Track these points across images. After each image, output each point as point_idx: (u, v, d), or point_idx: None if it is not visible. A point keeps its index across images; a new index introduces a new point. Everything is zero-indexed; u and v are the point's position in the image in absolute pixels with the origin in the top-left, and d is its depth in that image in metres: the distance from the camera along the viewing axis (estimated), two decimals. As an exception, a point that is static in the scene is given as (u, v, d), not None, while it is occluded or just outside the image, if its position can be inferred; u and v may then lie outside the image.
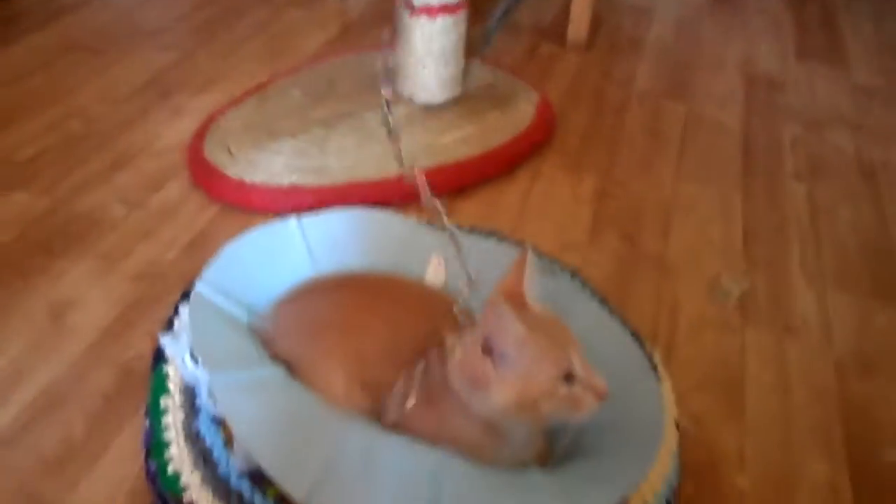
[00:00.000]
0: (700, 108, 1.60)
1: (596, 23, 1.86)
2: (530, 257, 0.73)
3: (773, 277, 1.15)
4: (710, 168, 1.41)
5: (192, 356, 0.79)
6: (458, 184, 1.28)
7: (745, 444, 0.89)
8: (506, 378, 0.67)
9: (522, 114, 1.43)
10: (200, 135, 1.34)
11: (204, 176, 1.25)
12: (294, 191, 1.20)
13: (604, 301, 1.00)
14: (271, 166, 1.25)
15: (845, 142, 1.50)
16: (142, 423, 0.85)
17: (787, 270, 1.16)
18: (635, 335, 0.94)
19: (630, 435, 0.75)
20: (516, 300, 0.71)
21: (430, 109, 1.41)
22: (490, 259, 0.83)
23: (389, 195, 1.18)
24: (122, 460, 0.82)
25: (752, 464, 0.87)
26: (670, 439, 0.84)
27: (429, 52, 1.37)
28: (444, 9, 1.33)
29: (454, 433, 0.71)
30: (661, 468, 0.81)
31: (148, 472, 0.79)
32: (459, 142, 1.34)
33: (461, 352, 0.70)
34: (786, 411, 0.93)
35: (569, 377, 0.67)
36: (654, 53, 1.84)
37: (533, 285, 0.72)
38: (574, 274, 1.04)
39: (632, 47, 1.86)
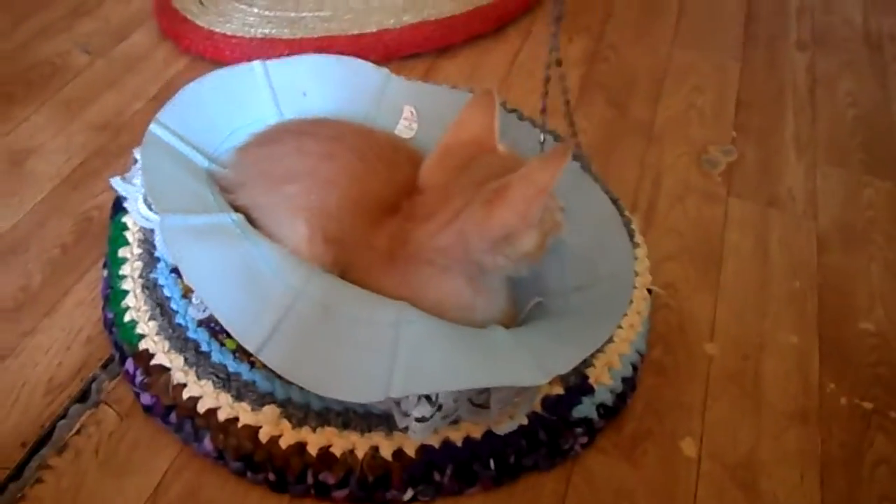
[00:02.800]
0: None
1: None
2: (497, 99, 0.69)
3: (763, 148, 1.10)
4: (708, 35, 1.33)
5: (146, 200, 0.76)
6: (442, 42, 1.21)
7: (717, 312, 0.88)
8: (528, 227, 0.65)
9: (514, -32, 1.34)
10: (170, -19, 1.26)
11: (172, 25, 1.18)
12: (267, 42, 1.14)
13: (586, 164, 0.96)
14: (244, 17, 1.18)
15: (854, 11, 1.42)
16: (100, 272, 0.83)
17: (778, 142, 1.12)
18: (614, 200, 0.91)
19: (597, 296, 0.73)
20: (484, 143, 0.68)
21: (415, -38, 1.32)
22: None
23: (367, 51, 1.11)
24: (79, 309, 0.81)
25: (722, 332, 0.86)
26: (641, 305, 0.83)
27: None
28: None
29: (425, 296, 0.69)
30: (630, 332, 0.80)
31: (105, 320, 0.78)
32: (445, -3, 1.26)
33: (481, 211, 0.65)
34: (762, 282, 0.91)
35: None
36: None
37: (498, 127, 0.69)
38: (557, 136, 0.99)
39: None
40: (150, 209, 0.75)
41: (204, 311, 0.73)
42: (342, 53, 0.95)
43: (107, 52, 1.15)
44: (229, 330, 0.64)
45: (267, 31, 1.16)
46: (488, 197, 0.64)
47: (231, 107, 0.83)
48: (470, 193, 0.65)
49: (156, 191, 0.69)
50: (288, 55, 0.91)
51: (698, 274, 0.91)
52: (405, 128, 0.86)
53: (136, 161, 0.86)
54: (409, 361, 0.63)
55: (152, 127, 0.76)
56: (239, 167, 0.78)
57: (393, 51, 1.17)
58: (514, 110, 1.02)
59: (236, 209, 0.74)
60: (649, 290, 0.85)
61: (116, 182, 0.78)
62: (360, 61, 0.91)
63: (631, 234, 0.89)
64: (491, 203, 0.64)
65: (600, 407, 0.74)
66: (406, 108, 0.87)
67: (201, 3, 1.20)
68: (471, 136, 0.69)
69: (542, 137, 0.86)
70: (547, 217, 0.67)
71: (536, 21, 1.31)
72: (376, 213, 0.72)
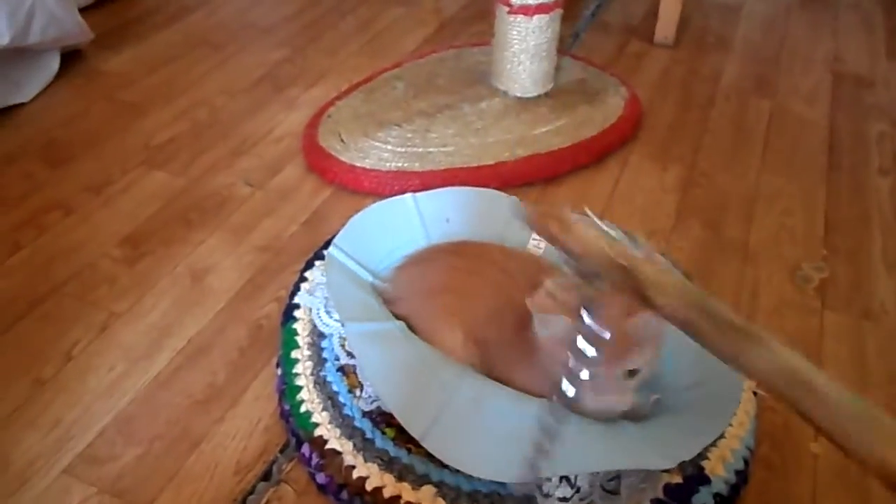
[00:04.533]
0: (786, 104, 1.65)
1: (684, 21, 1.91)
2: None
3: (853, 265, 1.20)
4: (794, 162, 1.45)
5: (326, 310, 0.91)
6: (550, 172, 1.37)
7: (820, 415, 0.95)
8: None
9: (612, 107, 1.51)
10: (313, 124, 1.47)
11: (318, 161, 1.38)
12: (400, 175, 1.32)
13: (689, 277, 1.07)
14: (379, 153, 1.37)
15: (933, 138, 1.53)
16: (273, 371, 0.98)
17: (867, 259, 1.21)
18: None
19: (710, 392, 0.83)
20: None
21: (523, 103, 1.51)
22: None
23: (486, 180, 1.28)
24: (257, 402, 0.95)
25: (826, 433, 0.93)
26: (748, 405, 0.92)
27: (524, 49, 1.46)
28: (540, 8, 1.42)
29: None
30: (739, 430, 0.88)
31: (282, 411, 0.92)
32: (552, 133, 1.43)
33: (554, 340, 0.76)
34: (861, 389, 0.99)
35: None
36: (741, 51, 1.88)
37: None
38: (662, 253, 1.11)
39: (719, 45, 1.91)
40: (330, 317, 0.90)
41: (371, 403, 0.86)
42: (464, 183, 1.11)
43: (264, 184, 1.35)
44: (399, 419, 0.77)
45: (399, 164, 1.34)
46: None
47: (388, 231, 1.00)
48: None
49: (338, 302, 0.85)
50: (417, 185, 1.08)
51: (799, 380, 1.00)
52: (534, 246, 1.00)
53: (304, 277, 1.02)
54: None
55: (331, 250, 0.92)
56: (397, 283, 0.93)
57: (508, 181, 1.33)
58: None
59: (396, 318, 0.88)
60: (755, 393, 0.94)
61: (303, 296, 0.94)
62: (493, 192, 1.07)
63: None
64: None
65: (716, 496, 0.82)
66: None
67: (342, 141, 1.40)
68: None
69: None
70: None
71: (633, 152, 1.46)
72: (519, 319, 0.85)
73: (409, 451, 0.85)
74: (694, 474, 0.83)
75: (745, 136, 1.53)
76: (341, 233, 0.95)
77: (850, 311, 1.11)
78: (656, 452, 0.73)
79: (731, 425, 0.88)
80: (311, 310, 0.95)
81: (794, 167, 1.44)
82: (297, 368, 0.94)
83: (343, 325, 0.81)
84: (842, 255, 1.22)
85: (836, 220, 1.30)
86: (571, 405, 0.69)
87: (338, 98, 1.55)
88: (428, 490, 0.81)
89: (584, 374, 0.68)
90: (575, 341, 0.66)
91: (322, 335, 0.95)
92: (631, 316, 0.73)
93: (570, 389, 0.68)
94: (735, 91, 1.69)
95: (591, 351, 0.65)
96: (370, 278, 0.94)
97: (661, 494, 0.81)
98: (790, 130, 1.56)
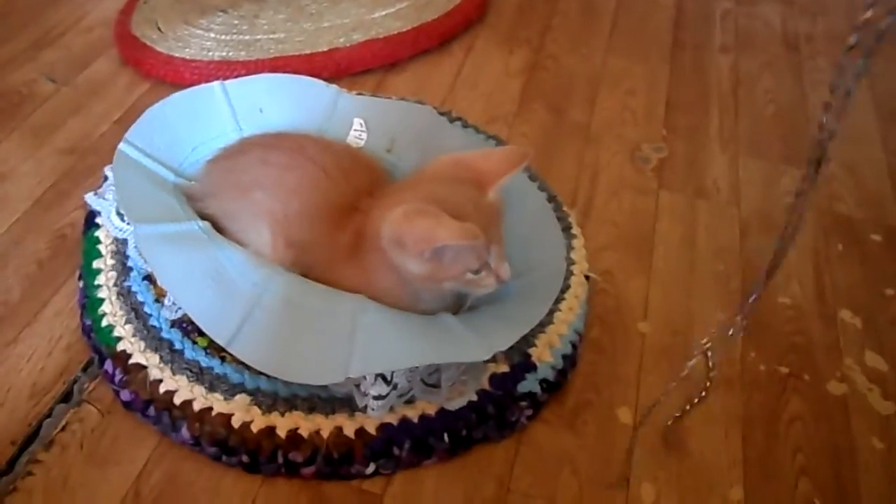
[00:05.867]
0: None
1: None
2: (525, 159, 0.77)
3: (690, 144, 1.20)
4: (640, 43, 1.43)
5: (119, 213, 0.82)
6: (390, 58, 1.29)
7: (650, 294, 0.96)
8: (423, 259, 0.71)
9: (456, -12, 1.43)
10: (127, 11, 1.33)
11: (133, 52, 1.25)
12: (224, 65, 1.21)
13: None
14: (201, 41, 1.25)
15: (774, 15, 1.53)
16: (76, 284, 0.89)
17: (704, 138, 1.21)
18: (552, 196, 0.99)
19: (534, 280, 0.81)
20: (483, 183, 0.75)
21: (362, -16, 1.40)
22: (413, 121, 0.86)
23: (320, 69, 1.19)
24: (57, 319, 0.87)
25: (655, 312, 0.94)
26: (579, 289, 0.91)
27: (359, -78, 1.35)
28: None
29: (377, 285, 0.76)
30: (568, 314, 0.87)
31: (84, 326, 0.84)
32: (392, 17, 1.34)
33: (400, 214, 0.71)
34: (690, 266, 1.00)
35: (479, 269, 0.72)
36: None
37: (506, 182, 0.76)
38: (499, 140, 1.07)
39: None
40: (123, 220, 0.81)
41: (177, 311, 0.79)
42: (296, 72, 1.02)
43: (71, 79, 1.21)
44: (201, 326, 0.71)
45: (224, 54, 1.22)
46: (411, 211, 0.70)
47: (193, 125, 0.90)
48: (417, 200, 0.72)
49: (128, 203, 0.76)
50: (245, 76, 0.98)
51: (631, 261, 1.00)
52: (355, 138, 0.93)
53: (106, 178, 0.92)
54: (365, 346, 0.70)
55: (122, 146, 0.82)
56: (208, 178, 0.85)
57: (344, 68, 1.24)
58: (458, 118, 1.10)
59: (204, 218, 0.81)
60: (587, 277, 0.93)
61: (90, 197, 0.85)
62: (311, 79, 0.98)
63: (569, 227, 0.98)
64: (408, 216, 0.70)
65: (543, 382, 0.81)
66: (356, 120, 0.94)
67: (160, 30, 1.27)
68: (480, 168, 0.76)
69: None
70: (458, 270, 0.72)
71: (479, 37, 1.39)
72: (338, 217, 0.79)
73: (223, 360, 0.79)
74: (520, 362, 0.82)
75: (593, 18, 1.49)
76: (134, 126, 0.85)
77: (685, 190, 1.11)
78: (473, 344, 0.71)
79: (559, 310, 0.87)
80: (100, 214, 0.86)
81: (640, 48, 1.41)
82: (100, 279, 0.86)
83: (134, 227, 0.73)
84: (680, 134, 1.22)
85: (676, 100, 1.29)
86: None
87: (156, -19, 1.40)
88: (242, 399, 0.76)
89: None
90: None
91: (126, 241, 0.87)
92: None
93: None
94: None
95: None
96: (171, 176, 0.85)
97: (486, 385, 0.79)
98: (638, 10, 1.52)
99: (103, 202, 0.84)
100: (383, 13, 1.34)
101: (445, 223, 0.68)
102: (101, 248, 0.89)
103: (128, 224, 0.83)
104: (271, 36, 1.27)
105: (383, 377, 0.71)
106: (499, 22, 1.44)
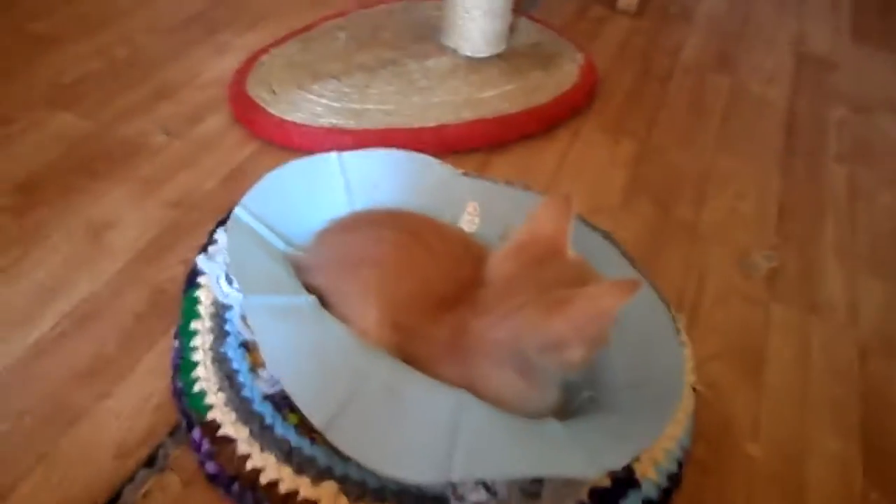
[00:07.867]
0: (746, 83, 1.58)
1: (648, -11, 1.83)
2: (573, 203, 0.73)
3: (804, 255, 1.14)
4: (750, 143, 1.39)
5: (227, 278, 0.81)
6: (497, 139, 1.28)
7: (759, 413, 0.89)
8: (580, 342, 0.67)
9: (566, 74, 1.42)
10: (244, 71, 1.35)
11: (245, 112, 1.26)
12: (333, 132, 1.21)
13: (633, 262, 1.00)
14: (313, 107, 1.26)
15: (891, 127, 1.48)
16: (171, 343, 0.87)
17: (819, 250, 1.15)
18: (661, 298, 0.95)
19: (648, 394, 0.76)
20: (555, 246, 0.71)
21: (473, 63, 1.41)
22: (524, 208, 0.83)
23: (427, 144, 1.18)
24: (150, 377, 0.85)
25: (764, 433, 0.87)
26: (686, 402, 0.85)
27: (478, 4, 1.36)
28: (496, -39, 1.32)
29: (485, 387, 0.72)
30: (675, 429, 0.82)
31: (175, 389, 0.82)
32: (500, 98, 1.33)
33: (539, 317, 0.67)
34: (804, 386, 0.93)
35: None
36: (705, 24, 1.81)
37: (571, 233, 0.73)
38: (607, 234, 1.04)
39: (682, 16, 1.83)
40: (231, 286, 0.80)
41: (273, 385, 0.77)
42: (403, 145, 1.02)
43: (184, 133, 1.23)
44: (299, 407, 0.68)
45: (333, 121, 1.23)
46: (550, 304, 0.66)
47: (307, 194, 0.89)
48: (533, 293, 0.68)
49: (239, 271, 0.75)
50: (352, 144, 0.98)
51: (739, 375, 0.94)
52: (468, 222, 0.91)
53: (215, 240, 0.92)
54: (469, 446, 0.66)
55: (237, 210, 0.82)
56: (317, 250, 0.83)
57: (450, 145, 1.23)
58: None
59: (310, 290, 0.79)
60: (694, 389, 0.88)
61: (201, 260, 0.84)
62: (428, 157, 0.97)
63: (677, 331, 0.93)
64: (550, 311, 0.66)
65: (645, 502, 0.76)
66: (470, 203, 0.92)
67: (273, 92, 1.29)
68: (543, 237, 0.72)
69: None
70: (600, 333, 0.68)
71: (585, 124, 1.37)
72: (440, 306, 0.76)
73: (313, 441, 0.76)
74: (623, 477, 0.76)
75: (701, 113, 1.46)
76: (251, 191, 0.84)
77: (798, 304, 1.05)
78: (582, 458, 0.66)
79: (666, 424, 0.81)
80: (207, 275, 0.85)
81: (749, 148, 1.37)
82: (196, 341, 0.84)
83: (243, 297, 0.71)
84: (793, 243, 1.16)
85: (789, 207, 1.24)
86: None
87: (273, 45, 1.43)
88: (329, 486, 0.72)
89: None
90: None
91: (227, 306, 0.85)
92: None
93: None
94: (695, 65, 1.62)
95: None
96: (282, 245, 0.83)
97: (585, 498, 0.74)
98: (748, 110, 1.49)
99: (213, 265, 0.83)
100: (492, 93, 1.34)
101: (592, 293, 0.65)
102: (201, 308, 0.87)
103: (236, 290, 0.82)
104: (381, 107, 1.27)
105: (485, 484, 0.67)
106: (606, 110, 1.43)
